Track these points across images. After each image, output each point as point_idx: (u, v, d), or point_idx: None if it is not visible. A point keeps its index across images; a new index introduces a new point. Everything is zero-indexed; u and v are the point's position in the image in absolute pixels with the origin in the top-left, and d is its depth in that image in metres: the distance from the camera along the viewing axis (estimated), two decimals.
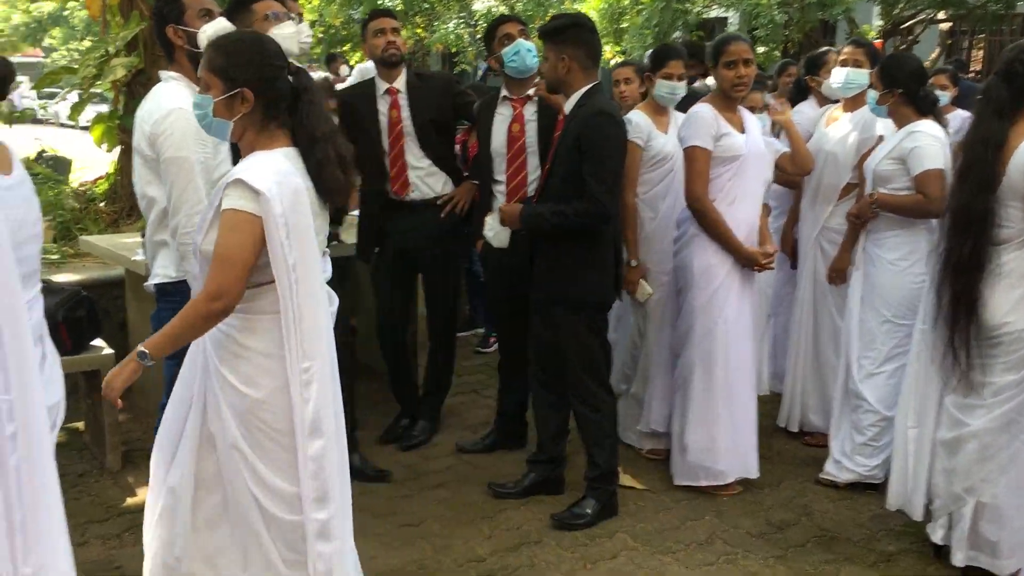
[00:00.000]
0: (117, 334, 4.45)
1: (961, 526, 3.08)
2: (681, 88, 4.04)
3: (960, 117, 5.34)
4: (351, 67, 10.45)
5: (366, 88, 4.08)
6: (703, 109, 3.68)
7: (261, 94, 2.21)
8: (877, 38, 13.07)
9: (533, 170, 3.83)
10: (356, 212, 4.32)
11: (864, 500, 3.76)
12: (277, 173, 2.14)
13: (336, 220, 4.34)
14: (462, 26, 17.40)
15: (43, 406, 1.84)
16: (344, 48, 17.68)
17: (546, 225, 3.44)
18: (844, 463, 3.84)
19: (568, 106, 3.46)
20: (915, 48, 12.98)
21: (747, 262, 3.71)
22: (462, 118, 4.29)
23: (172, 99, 2.85)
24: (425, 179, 4.06)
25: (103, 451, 3.93)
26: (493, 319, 5.25)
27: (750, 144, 3.72)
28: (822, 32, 13.91)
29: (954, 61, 10.68)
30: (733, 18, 14.92)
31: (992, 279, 2.93)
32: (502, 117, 3.91)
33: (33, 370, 1.81)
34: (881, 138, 3.92)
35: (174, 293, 2.89)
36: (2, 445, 1.72)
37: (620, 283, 3.69)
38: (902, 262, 3.68)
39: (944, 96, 5.40)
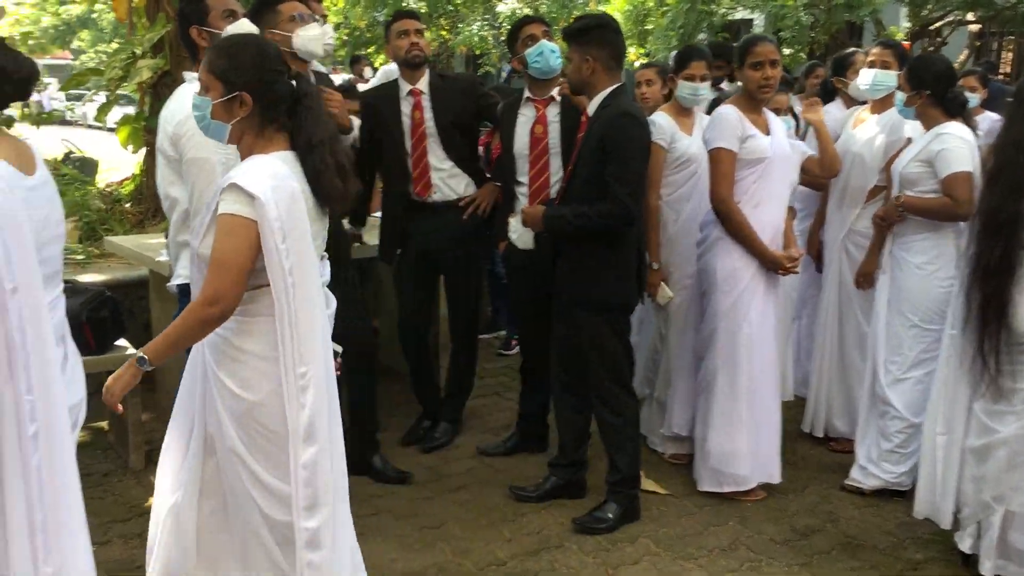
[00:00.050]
0: (141, 334, 4.47)
1: (990, 535, 3.03)
2: (704, 89, 4.01)
3: (989, 119, 5.27)
4: (375, 69, 10.48)
5: (389, 89, 4.08)
6: (728, 111, 3.65)
7: (260, 98, 2.21)
8: (905, 40, 12.94)
9: (556, 172, 3.81)
10: (378, 213, 4.32)
11: (891, 507, 3.71)
12: (273, 177, 2.14)
13: (359, 221, 4.35)
14: (486, 28, 17.42)
15: (64, 406, 1.85)
16: (369, 50, 17.74)
17: (568, 227, 3.42)
18: (870, 469, 3.79)
19: (592, 107, 3.44)
20: (943, 50, 12.84)
21: (772, 266, 3.68)
22: (485, 120, 4.28)
23: None
24: (448, 180, 4.05)
25: (127, 450, 3.95)
26: (515, 321, 5.24)
27: (775, 146, 3.68)
28: (848, 34, 13.79)
29: (984, 63, 10.55)
30: (759, 20, 14.83)
31: (1022, 283, 2.87)
32: (525, 118, 3.90)
33: (55, 371, 1.81)
34: (909, 140, 3.87)
35: None
36: (24, 445, 1.72)
37: (643, 286, 3.66)
38: (929, 266, 3.63)
39: (974, 98, 5.32)
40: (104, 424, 4.30)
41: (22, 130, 8.56)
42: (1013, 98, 2.98)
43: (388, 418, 4.34)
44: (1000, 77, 12.97)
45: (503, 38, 3.76)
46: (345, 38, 18.18)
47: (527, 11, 16.33)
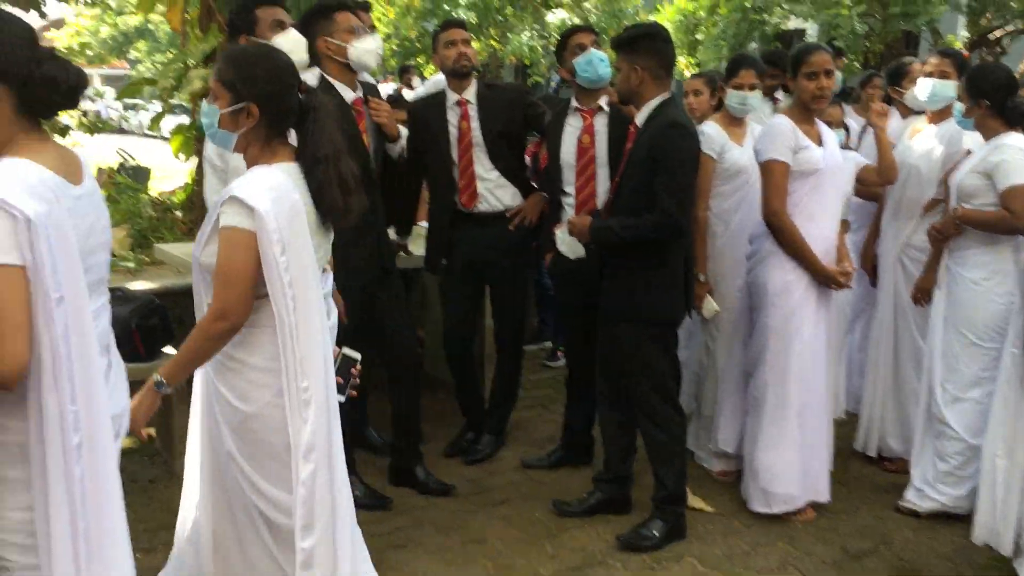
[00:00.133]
0: None
1: None
2: (753, 98, 3.94)
3: None
4: (424, 79, 10.53)
5: (436, 99, 4.07)
6: (781, 121, 3.58)
7: (266, 110, 2.21)
8: (963, 49, 12.67)
9: (603, 182, 3.77)
10: (425, 223, 4.31)
11: (947, 531, 3.59)
12: (273, 189, 2.14)
13: (404, 232, 4.34)
14: (535, 38, 17.43)
15: (108, 416, 1.84)
16: (419, 60, 17.86)
17: (615, 238, 3.37)
18: (926, 491, 3.67)
19: (640, 117, 3.39)
20: (1003, 60, 12.54)
21: (825, 280, 3.59)
22: (533, 130, 4.25)
23: None
24: (494, 191, 4.03)
25: (172, 457, 3.98)
26: (561, 332, 5.19)
27: (828, 158, 3.60)
28: (904, 43, 13.54)
29: None
30: (812, 29, 14.62)
31: None
32: (572, 128, 3.86)
33: (98, 380, 1.81)
34: (968, 152, 3.75)
35: None
36: (68, 454, 1.72)
37: (690, 299, 3.60)
38: (986, 281, 3.51)
39: None
40: (151, 430, 4.33)
41: (78, 138, 8.77)
42: None
43: (432, 429, 4.33)
44: None
45: (552, 48, 3.73)
46: (395, 48, 18.32)
47: (577, 20, 16.30)
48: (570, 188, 3.85)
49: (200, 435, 2.36)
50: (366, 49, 3.45)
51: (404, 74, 11.07)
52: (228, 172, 2.82)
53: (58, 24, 23.33)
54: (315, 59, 3.43)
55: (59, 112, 1.88)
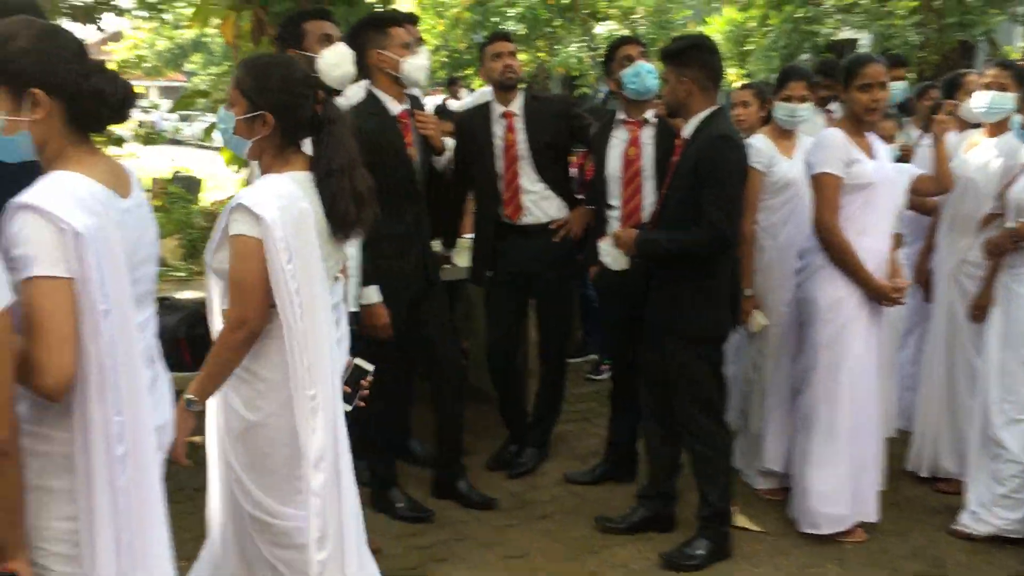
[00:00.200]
0: None
1: None
2: (803, 111, 3.88)
3: None
4: (472, 91, 10.56)
5: (482, 111, 4.07)
6: (833, 134, 3.51)
7: (281, 119, 2.23)
8: (1021, 60, 12.38)
9: (649, 195, 3.73)
10: (470, 235, 4.31)
11: (1003, 555, 3.48)
12: (281, 197, 2.16)
13: (449, 243, 4.35)
14: (584, 50, 17.40)
15: (152, 427, 1.86)
16: (467, 72, 17.95)
17: (661, 251, 3.34)
18: (981, 515, 3.57)
19: (687, 130, 3.36)
20: None
21: (877, 296, 3.51)
22: (578, 142, 4.23)
23: None
24: (539, 203, 4.01)
25: None
26: (606, 346, 5.15)
27: (881, 171, 3.52)
28: (961, 54, 13.27)
29: None
30: (865, 39, 14.41)
31: None
32: (618, 140, 3.83)
33: (143, 392, 1.82)
34: None
35: None
36: (112, 466, 1.73)
37: (737, 314, 3.54)
38: None
39: None
40: (198, 439, 4.37)
41: (133, 148, 8.95)
42: None
43: (475, 441, 4.31)
44: None
45: (600, 59, 3.72)
46: (444, 60, 18.42)
47: (625, 32, 16.25)
48: (616, 201, 3.82)
49: (215, 445, 2.39)
50: (418, 65, 3.49)
51: (452, 86, 11.13)
52: None
53: (116, 37, 23.86)
54: (364, 71, 3.45)
55: (108, 125, 1.90)
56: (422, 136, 3.65)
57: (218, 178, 9.49)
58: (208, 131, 6.83)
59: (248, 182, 3.01)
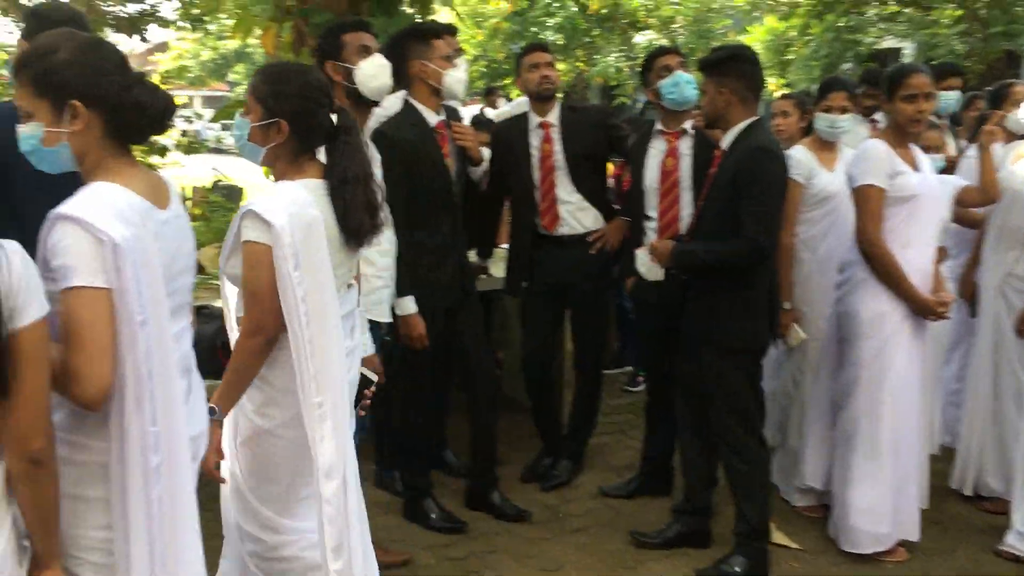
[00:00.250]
0: None
1: None
2: (843, 122, 3.82)
3: None
4: (509, 100, 10.55)
5: (519, 122, 4.06)
6: (877, 145, 3.44)
7: (296, 127, 2.26)
8: None
9: (686, 206, 3.70)
10: (506, 246, 4.30)
11: None
12: (292, 204, 2.17)
13: (485, 253, 4.34)
14: (622, 59, 17.37)
15: (186, 438, 1.86)
16: (505, 82, 18.00)
17: (697, 263, 3.30)
18: None
19: (726, 141, 3.32)
20: None
21: (921, 311, 3.44)
22: (616, 152, 4.21)
23: None
24: (575, 214, 3.99)
25: None
26: (642, 357, 5.11)
27: (925, 183, 3.46)
28: (1006, 63, 13.04)
29: None
30: (908, 48, 14.22)
31: None
32: (656, 151, 3.80)
33: (178, 402, 1.83)
34: None
35: None
36: (147, 476, 1.74)
37: (776, 327, 3.49)
38: None
39: None
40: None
41: (177, 157, 9.07)
42: None
43: (509, 452, 4.29)
44: None
45: (639, 69, 3.71)
46: (483, 70, 18.49)
47: (664, 42, 16.19)
48: (653, 212, 3.79)
49: (227, 451, 2.41)
50: (458, 78, 3.50)
51: (489, 95, 11.14)
52: None
53: (162, 48, 24.29)
54: (402, 80, 3.46)
55: (148, 137, 1.91)
56: (458, 147, 3.65)
57: (259, 187, 9.59)
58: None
59: None
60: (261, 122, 2.26)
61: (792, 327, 3.75)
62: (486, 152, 3.93)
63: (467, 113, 5.63)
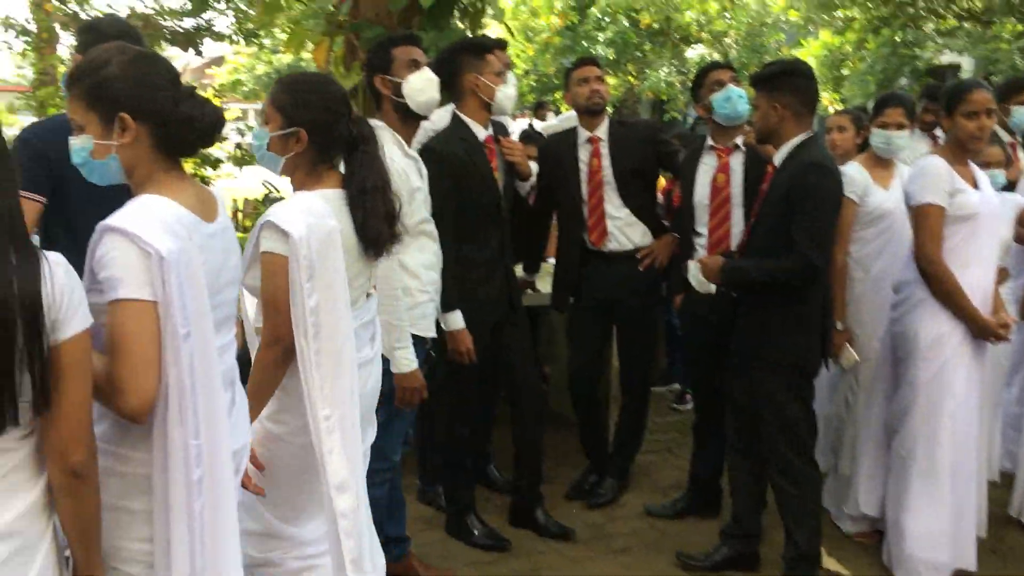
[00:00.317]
0: None
1: None
2: (900, 138, 3.73)
3: None
4: (558, 115, 10.55)
5: (568, 136, 4.04)
6: (936, 162, 3.35)
7: (315, 137, 2.27)
8: None
9: (737, 223, 3.64)
10: (552, 260, 4.27)
11: None
12: (310, 214, 2.17)
13: (532, 268, 4.31)
14: (674, 74, 17.30)
15: (229, 451, 1.86)
16: (555, 96, 18.02)
17: (748, 280, 3.24)
18: None
19: (779, 157, 3.26)
20: None
21: (982, 332, 3.33)
22: (665, 168, 4.17)
23: None
24: (624, 229, 3.95)
25: None
26: (690, 375, 5.04)
27: (985, 201, 3.36)
28: None
29: None
30: (967, 63, 13.94)
31: None
32: (706, 167, 3.75)
33: (221, 415, 1.83)
34: None
35: None
36: (189, 490, 1.74)
37: (828, 348, 3.41)
38: None
39: None
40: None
41: (229, 170, 9.21)
42: None
43: (554, 468, 4.25)
44: None
45: (690, 83, 3.67)
46: (532, 84, 18.53)
47: (716, 56, 16.09)
48: (703, 228, 3.74)
49: None
50: (508, 95, 3.50)
51: (539, 109, 11.15)
52: None
53: (218, 62, 24.76)
54: (453, 93, 3.46)
55: (197, 150, 1.92)
56: (506, 161, 3.64)
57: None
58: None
59: None
60: (280, 132, 2.28)
61: (845, 348, 3.66)
62: (534, 166, 3.91)
63: (516, 127, 5.63)
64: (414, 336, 2.99)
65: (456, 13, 4.92)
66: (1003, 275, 3.62)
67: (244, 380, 2.08)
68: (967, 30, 12.74)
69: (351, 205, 2.29)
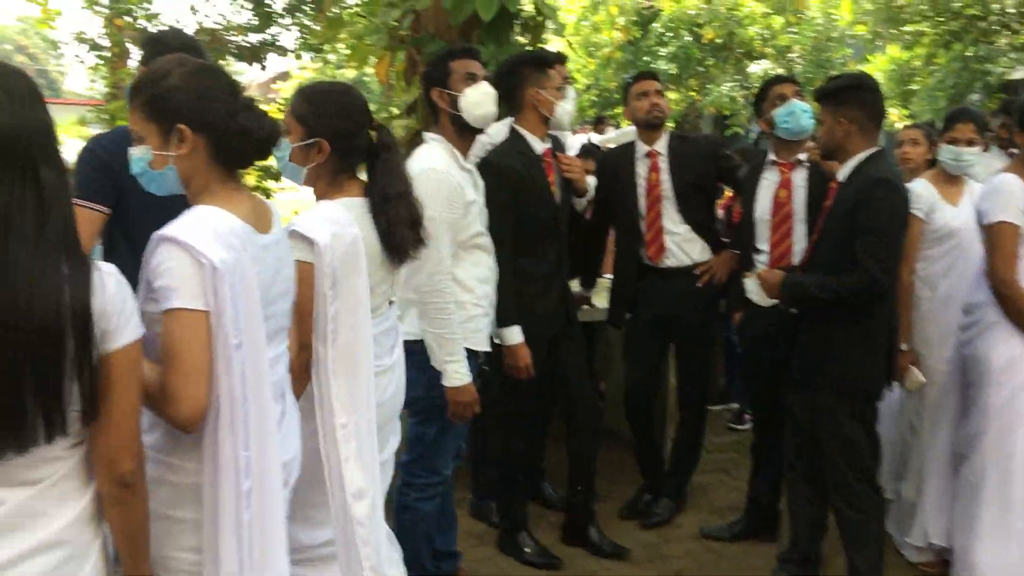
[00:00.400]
0: None
1: None
2: (969, 154, 3.62)
3: None
4: (618, 129, 10.51)
5: (626, 150, 4.00)
6: (1009, 179, 3.22)
7: (337, 147, 2.29)
8: None
9: (799, 240, 3.55)
10: (609, 276, 4.23)
11: None
12: (333, 223, 2.19)
13: (589, 284, 4.28)
14: (736, 88, 17.11)
15: (279, 463, 1.86)
16: (616, 111, 17.97)
17: (809, 296, 3.15)
18: None
19: (843, 173, 3.18)
20: None
21: None
22: (726, 183, 4.10)
23: (428, 160, 2.92)
24: (682, 245, 3.89)
25: None
26: (749, 394, 4.94)
27: None
28: None
29: None
30: None
31: None
32: (768, 182, 3.68)
33: (271, 427, 1.83)
34: None
35: (420, 352, 2.91)
36: (238, 501, 1.74)
37: (893, 369, 3.30)
38: None
39: None
40: None
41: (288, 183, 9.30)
42: None
43: (608, 486, 4.20)
44: None
45: (753, 99, 3.60)
46: (594, 99, 18.49)
47: (780, 71, 15.86)
48: (763, 245, 3.66)
49: None
50: (566, 111, 3.50)
51: (599, 124, 11.13)
52: None
53: (284, 76, 25.21)
54: (513, 106, 3.45)
55: (253, 162, 1.93)
56: (563, 177, 3.61)
57: None
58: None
59: None
60: (302, 142, 2.30)
61: (910, 370, 3.55)
62: (591, 181, 3.88)
63: (576, 142, 5.60)
64: (467, 350, 2.97)
65: (516, 28, 4.92)
66: None
67: None
68: None
69: (375, 213, 2.30)
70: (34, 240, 1.41)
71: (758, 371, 3.84)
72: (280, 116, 2.45)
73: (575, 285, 4.05)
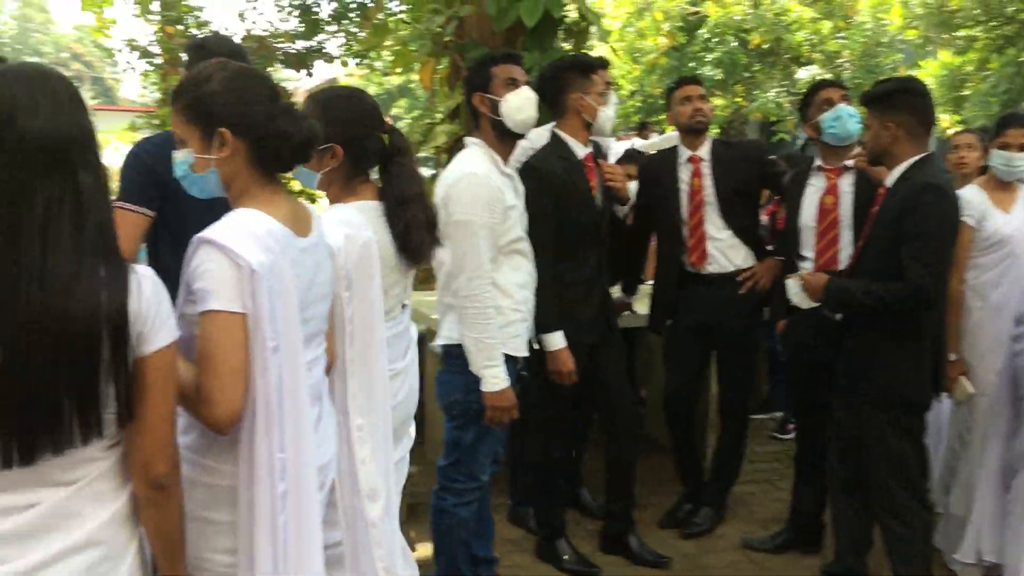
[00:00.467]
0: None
1: None
2: (1021, 160, 3.52)
3: None
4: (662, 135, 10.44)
5: (669, 156, 3.96)
6: None
7: (350, 151, 2.30)
8: None
9: (846, 247, 3.49)
10: (651, 282, 4.19)
11: None
12: (347, 226, 2.18)
13: (630, 290, 4.24)
14: (783, 94, 16.90)
15: (315, 466, 1.86)
16: (660, 117, 17.86)
17: (854, 302, 3.09)
18: None
19: (891, 178, 3.11)
20: None
21: None
22: (770, 189, 4.04)
23: (468, 164, 2.91)
24: (725, 251, 3.85)
25: None
26: (793, 403, 4.86)
27: None
28: None
29: None
30: None
31: None
32: (814, 188, 3.62)
33: (308, 430, 1.83)
34: None
35: (458, 356, 2.91)
36: (273, 503, 1.74)
37: (941, 380, 3.22)
38: None
39: None
40: None
41: None
42: None
43: (647, 494, 4.16)
44: None
45: (799, 104, 3.54)
46: (639, 105, 18.40)
47: (828, 76, 15.64)
48: (808, 252, 3.60)
49: None
50: (607, 117, 3.50)
51: (643, 130, 11.06)
52: (448, 224, 2.85)
53: (330, 83, 25.49)
54: (556, 111, 3.44)
55: (291, 165, 1.94)
56: (605, 183, 3.58)
57: None
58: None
59: None
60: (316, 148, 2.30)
61: (959, 380, 3.47)
62: (632, 187, 3.85)
63: (620, 148, 5.57)
64: (505, 355, 2.96)
65: (560, 34, 4.91)
66: None
67: None
68: None
69: (391, 216, 2.32)
70: (71, 244, 1.42)
71: (801, 376, 3.78)
72: None
73: (616, 291, 4.01)
